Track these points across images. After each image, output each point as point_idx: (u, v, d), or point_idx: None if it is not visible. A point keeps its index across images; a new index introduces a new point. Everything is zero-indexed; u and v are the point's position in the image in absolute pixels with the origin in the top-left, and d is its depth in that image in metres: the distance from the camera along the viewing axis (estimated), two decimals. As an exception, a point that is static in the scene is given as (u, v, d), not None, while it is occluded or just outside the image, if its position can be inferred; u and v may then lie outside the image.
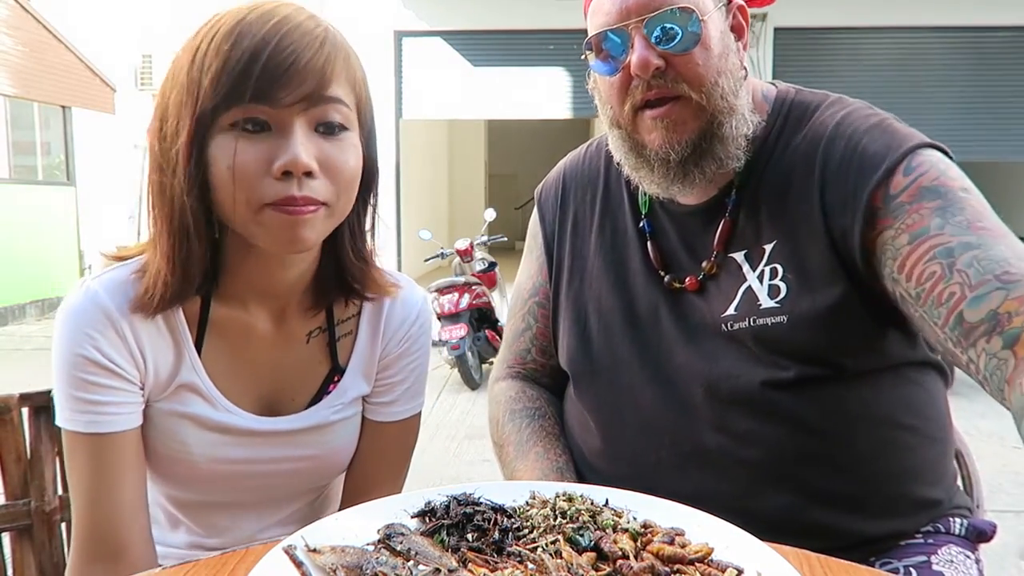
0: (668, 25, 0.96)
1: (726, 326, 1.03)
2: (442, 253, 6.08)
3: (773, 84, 1.12)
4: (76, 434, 0.88)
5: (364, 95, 0.91)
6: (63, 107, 9.32)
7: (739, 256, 1.05)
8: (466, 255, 6.00)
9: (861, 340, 0.99)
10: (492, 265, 6.12)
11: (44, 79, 8.79)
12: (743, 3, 1.06)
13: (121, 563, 0.89)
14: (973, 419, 4.25)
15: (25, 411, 1.13)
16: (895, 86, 8.05)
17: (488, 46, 8.67)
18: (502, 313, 6.02)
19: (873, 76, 8.13)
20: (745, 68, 1.04)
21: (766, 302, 1.01)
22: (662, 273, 1.10)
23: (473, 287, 5.57)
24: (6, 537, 1.14)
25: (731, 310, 1.03)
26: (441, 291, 5.46)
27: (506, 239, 6.47)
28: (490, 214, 6.35)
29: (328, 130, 0.85)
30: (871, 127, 1.00)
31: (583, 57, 1.04)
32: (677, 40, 0.96)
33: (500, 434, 1.22)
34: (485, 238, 6.15)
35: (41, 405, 1.13)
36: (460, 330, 5.26)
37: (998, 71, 8.21)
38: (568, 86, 8.62)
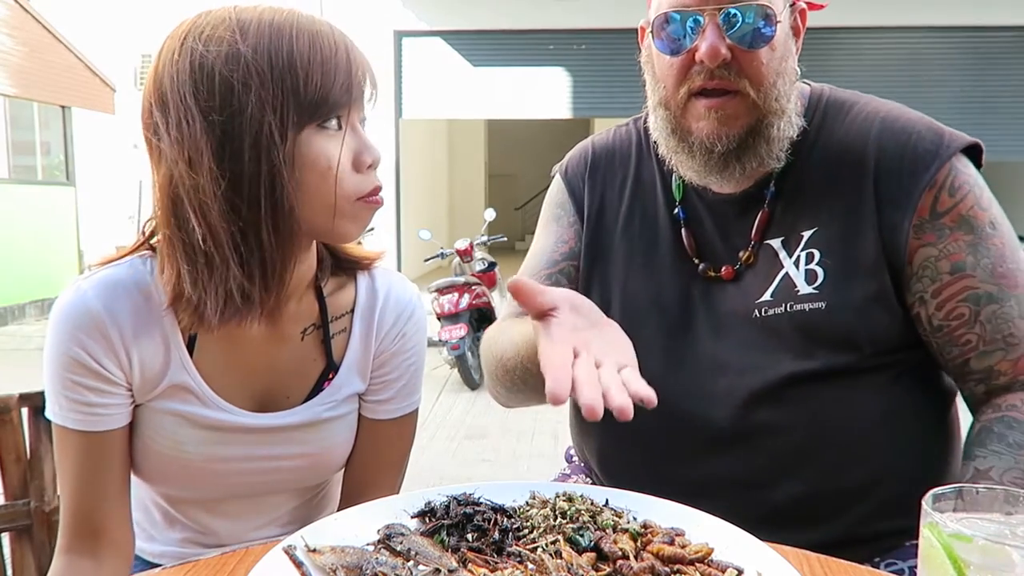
0: (745, 19, 0.96)
1: (760, 312, 1.04)
2: (442, 253, 6.08)
3: (806, 83, 1.13)
4: (65, 428, 0.91)
5: None
6: (63, 107, 9.32)
7: (776, 243, 1.06)
8: (466, 255, 6.00)
9: (891, 332, 1.01)
10: (492, 265, 6.12)
11: (44, 79, 8.79)
12: (804, 6, 1.05)
13: (102, 542, 0.93)
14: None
15: (25, 411, 1.14)
16: (895, 86, 8.03)
17: (488, 46, 8.66)
18: (502, 313, 6.01)
19: (873, 76, 8.11)
20: (797, 71, 1.05)
21: (804, 288, 1.02)
22: (696, 261, 1.10)
23: (473, 287, 5.57)
24: (6, 537, 1.14)
25: (767, 296, 1.04)
26: (441, 291, 5.46)
27: (506, 239, 6.47)
28: (490, 214, 6.36)
29: (362, 123, 0.91)
30: (916, 120, 1.04)
31: (644, 23, 1.03)
32: (750, 35, 0.97)
33: (492, 342, 1.18)
34: (485, 238, 6.15)
35: (41, 405, 1.13)
36: (460, 330, 5.26)
37: (998, 71, 8.21)
38: (568, 86, 8.62)
